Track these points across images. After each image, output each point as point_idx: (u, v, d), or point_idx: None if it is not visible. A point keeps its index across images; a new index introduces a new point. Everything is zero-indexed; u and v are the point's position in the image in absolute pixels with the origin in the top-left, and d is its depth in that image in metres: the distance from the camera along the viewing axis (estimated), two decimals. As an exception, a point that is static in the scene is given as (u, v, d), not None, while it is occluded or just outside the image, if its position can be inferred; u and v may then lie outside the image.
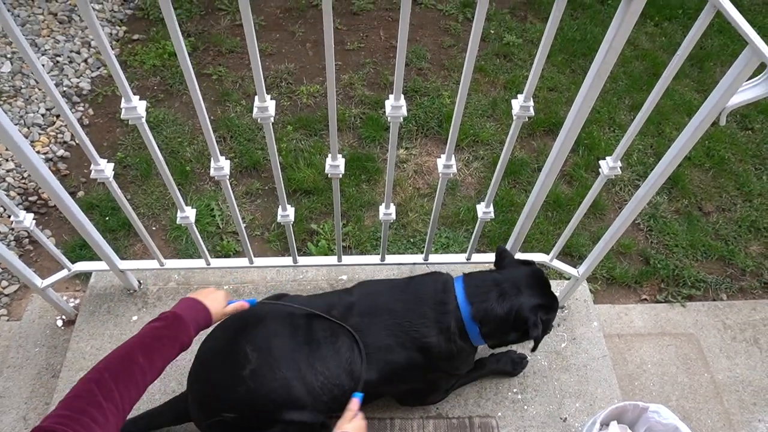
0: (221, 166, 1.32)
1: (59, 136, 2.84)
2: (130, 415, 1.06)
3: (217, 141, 2.95)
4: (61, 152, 2.78)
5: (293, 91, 3.09)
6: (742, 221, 2.71)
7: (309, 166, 2.74)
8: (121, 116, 1.15)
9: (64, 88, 2.98)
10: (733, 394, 2.21)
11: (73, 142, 2.85)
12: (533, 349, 1.46)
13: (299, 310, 1.42)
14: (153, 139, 1.26)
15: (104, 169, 1.29)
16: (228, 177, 1.37)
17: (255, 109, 1.15)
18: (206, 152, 2.80)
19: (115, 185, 1.38)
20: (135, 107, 1.12)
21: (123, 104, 1.13)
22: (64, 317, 1.97)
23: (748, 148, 3.01)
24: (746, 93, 1.12)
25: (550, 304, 1.46)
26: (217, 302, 1.29)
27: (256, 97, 1.14)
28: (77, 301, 2.02)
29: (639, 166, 2.86)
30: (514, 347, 1.82)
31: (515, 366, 1.81)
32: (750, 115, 3.15)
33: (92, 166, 1.30)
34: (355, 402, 1.31)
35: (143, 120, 1.17)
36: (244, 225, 2.60)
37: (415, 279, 1.54)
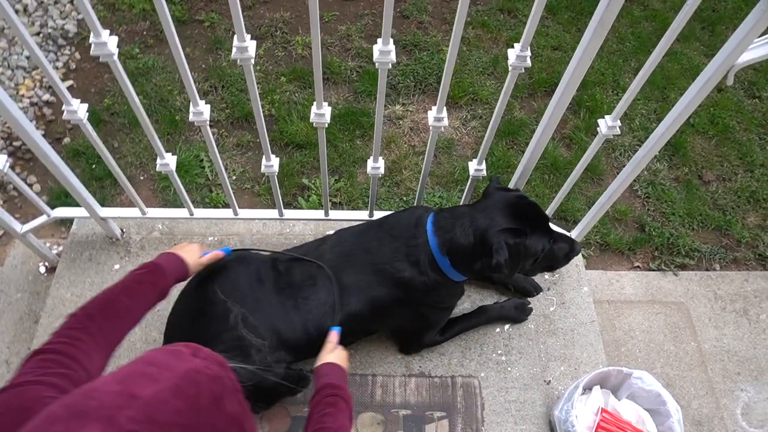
0: (200, 110, 1.25)
1: (45, 79, 2.74)
2: None
3: (207, 91, 2.89)
4: (46, 96, 2.69)
5: (288, 41, 2.97)
6: (742, 191, 2.66)
7: (302, 119, 2.66)
8: (91, 52, 1.08)
9: (49, 30, 2.86)
10: (717, 363, 2.21)
11: (59, 87, 2.76)
12: (506, 277, 1.40)
13: (276, 256, 1.44)
14: (127, 77, 1.18)
15: (77, 110, 1.22)
16: (208, 123, 1.30)
17: (234, 49, 1.08)
18: (196, 101, 2.72)
19: (89, 127, 1.32)
20: (105, 43, 1.05)
21: (92, 39, 1.05)
22: (47, 264, 1.94)
23: (754, 117, 2.93)
24: (758, 50, 1.05)
25: (521, 228, 1.33)
26: (193, 254, 1.34)
27: (235, 36, 1.07)
28: (60, 248, 1.98)
29: (641, 131, 2.79)
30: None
31: (519, 311, 1.80)
32: (758, 83, 3.05)
33: (64, 107, 1.24)
34: (334, 334, 1.38)
35: (115, 58, 1.10)
36: (234, 177, 2.55)
37: (390, 216, 1.53)
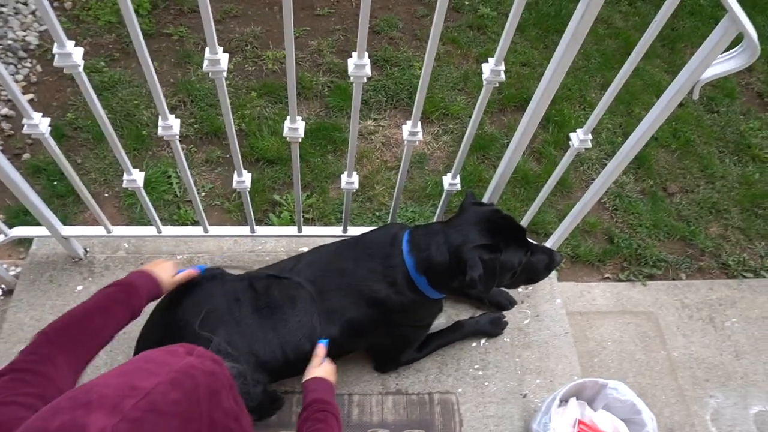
0: (170, 124, 1.22)
1: (3, 93, 2.64)
2: None
3: (176, 106, 2.83)
4: (5, 110, 2.59)
5: (259, 55, 2.94)
6: (704, 203, 2.75)
7: (273, 134, 2.63)
8: (54, 63, 1.03)
9: (9, 42, 2.76)
10: (687, 371, 2.25)
11: (18, 101, 2.66)
12: (483, 293, 1.38)
13: (255, 273, 1.41)
14: (93, 91, 1.14)
15: (38, 123, 1.17)
16: (177, 137, 1.27)
17: (205, 62, 1.05)
18: (164, 116, 2.66)
19: (51, 142, 1.27)
20: (69, 54, 1.01)
21: (56, 49, 1.01)
22: (3, 286, 1.85)
23: (713, 131, 3.04)
24: (723, 65, 1.08)
25: (495, 244, 1.30)
26: (166, 271, 1.30)
27: (207, 49, 1.04)
28: (18, 270, 1.89)
29: (607, 145, 2.86)
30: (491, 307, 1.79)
31: (494, 326, 1.79)
32: (716, 98, 3.17)
33: (24, 120, 1.18)
34: (321, 348, 1.35)
35: (80, 70, 1.06)
36: (203, 194, 2.50)
37: (366, 235, 1.51)
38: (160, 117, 1.22)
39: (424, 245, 1.36)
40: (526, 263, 1.38)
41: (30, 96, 2.68)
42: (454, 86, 2.95)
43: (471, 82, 2.95)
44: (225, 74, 1.09)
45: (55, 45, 1.01)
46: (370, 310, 1.40)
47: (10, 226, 2.23)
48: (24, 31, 2.84)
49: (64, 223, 2.37)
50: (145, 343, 1.41)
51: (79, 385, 0.64)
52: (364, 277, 1.38)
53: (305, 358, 1.34)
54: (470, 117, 2.79)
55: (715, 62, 1.09)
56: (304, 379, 1.27)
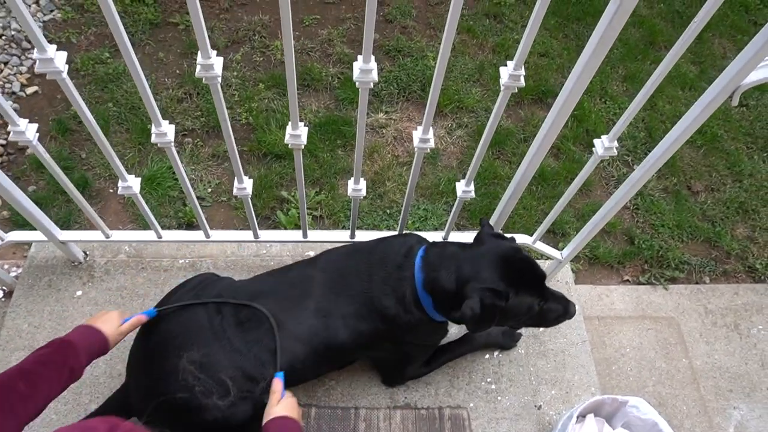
0: (164, 131, 1.14)
1: (7, 86, 2.59)
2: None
3: (182, 98, 2.76)
4: (8, 104, 2.53)
5: (267, 45, 2.85)
6: (731, 202, 2.62)
7: (281, 128, 2.55)
8: (35, 69, 0.96)
9: (12, 32, 2.70)
10: (710, 381, 2.16)
11: (22, 93, 2.61)
12: (472, 332, 1.31)
13: (209, 303, 1.33)
14: (79, 96, 1.07)
15: (24, 130, 1.10)
16: (172, 144, 1.19)
17: (198, 67, 0.97)
18: (170, 109, 2.59)
19: (40, 149, 1.20)
20: (51, 59, 0.93)
21: (36, 54, 0.94)
22: (4, 288, 1.81)
23: (741, 126, 2.90)
24: (767, 69, 0.97)
25: (504, 291, 1.22)
26: (111, 323, 1.21)
27: (200, 53, 0.96)
28: (20, 270, 1.85)
29: (629, 140, 2.73)
30: None
31: (507, 338, 1.72)
32: (745, 91, 3.01)
33: (10, 127, 1.11)
34: (277, 383, 1.23)
35: (64, 75, 0.98)
36: (210, 190, 2.43)
37: (382, 241, 1.45)
38: (153, 123, 1.14)
39: (436, 265, 1.30)
40: (536, 312, 1.31)
41: (34, 88, 2.62)
42: (469, 78, 2.83)
43: (487, 74, 2.83)
44: (219, 79, 1.01)
45: (36, 50, 0.93)
46: (379, 324, 1.35)
47: (14, 225, 2.20)
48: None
49: (69, 221, 2.33)
50: (133, 363, 1.37)
51: None
52: (377, 288, 1.33)
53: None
54: (485, 110, 2.70)
55: (761, 65, 0.98)
56: (264, 421, 1.15)
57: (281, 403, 1.17)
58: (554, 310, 1.36)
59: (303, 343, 1.31)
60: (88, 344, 1.13)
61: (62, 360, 1.05)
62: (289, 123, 1.16)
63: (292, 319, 1.31)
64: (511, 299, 1.23)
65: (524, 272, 1.29)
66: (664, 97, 2.90)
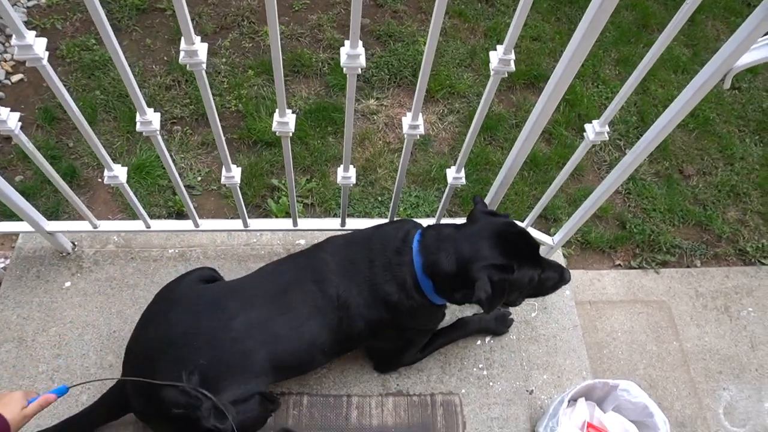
0: (149, 119, 1.12)
1: (-6, 73, 2.54)
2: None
3: (170, 85, 2.72)
4: (-7, 93, 2.49)
5: (256, 31, 2.81)
6: (722, 185, 2.63)
7: (271, 115, 2.49)
8: (14, 56, 0.93)
9: (-5, 19, 2.64)
10: (699, 363, 2.18)
11: (8, 81, 2.56)
12: (485, 312, 1.32)
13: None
14: (61, 84, 1.05)
15: (6, 119, 1.08)
16: (158, 132, 1.17)
17: (182, 53, 0.95)
18: (158, 97, 2.55)
19: (23, 138, 1.18)
20: (30, 45, 0.91)
21: (14, 41, 0.91)
22: (-8, 279, 1.78)
23: (733, 109, 2.89)
24: (760, 51, 0.96)
25: (508, 264, 1.25)
26: (13, 406, 1.11)
27: (183, 39, 0.94)
28: (7, 262, 1.83)
29: (621, 124, 2.72)
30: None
31: (499, 323, 1.73)
32: (737, 73, 3.00)
33: (-11, 117, 1.09)
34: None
35: (44, 62, 0.96)
36: (199, 179, 2.41)
37: (380, 228, 1.45)
38: (138, 112, 1.12)
39: (434, 248, 1.30)
40: (536, 282, 1.31)
41: (19, 76, 2.58)
42: (460, 63, 2.81)
43: (478, 59, 2.81)
44: (204, 66, 0.99)
45: (14, 37, 0.91)
46: (384, 312, 1.36)
47: (1, 215, 2.17)
48: (12, 6, 2.71)
49: (58, 210, 2.30)
50: (131, 359, 1.36)
51: None
52: (379, 275, 1.34)
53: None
54: (477, 95, 2.68)
55: (754, 47, 0.97)
56: None
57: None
58: (551, 277, 1.39)
59: (330, 331, 1.34)
60: None
61: None
62: (277, 110, 1.14)
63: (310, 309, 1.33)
64: (516, 272, 1.25)
65: (521, 245, 1.31)
66: (656, 80, 2.89)
